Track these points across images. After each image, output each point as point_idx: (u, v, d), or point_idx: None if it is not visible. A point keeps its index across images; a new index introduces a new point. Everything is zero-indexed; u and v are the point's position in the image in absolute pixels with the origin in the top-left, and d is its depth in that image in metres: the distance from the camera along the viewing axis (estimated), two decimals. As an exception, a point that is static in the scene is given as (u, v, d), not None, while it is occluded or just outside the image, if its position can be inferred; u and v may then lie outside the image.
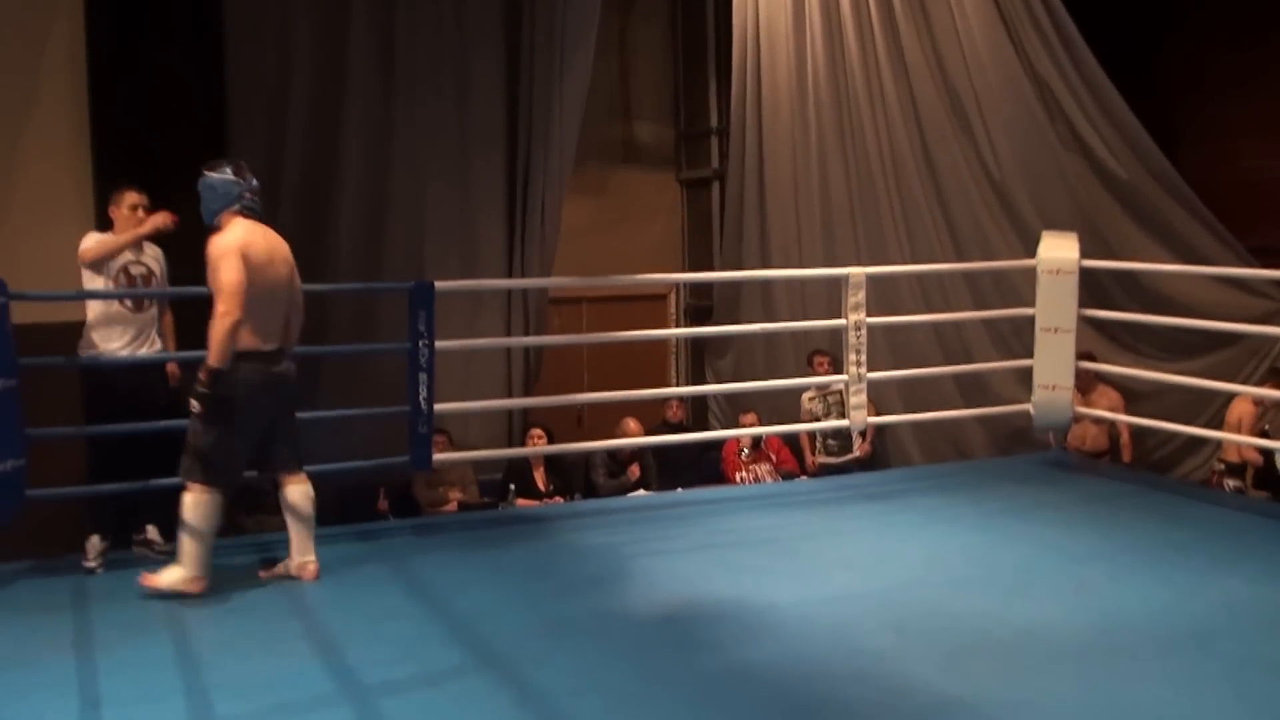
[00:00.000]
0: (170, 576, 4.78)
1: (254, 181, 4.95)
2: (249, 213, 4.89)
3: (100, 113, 7.28)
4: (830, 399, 8.21)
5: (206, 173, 4.91)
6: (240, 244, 4.76)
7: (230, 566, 5.24)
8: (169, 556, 5.37)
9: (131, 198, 5.39)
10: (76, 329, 5.33)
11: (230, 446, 4.82)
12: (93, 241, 5.28)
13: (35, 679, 3.98)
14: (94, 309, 5.29)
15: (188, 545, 4.77)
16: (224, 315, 4.67)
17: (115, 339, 5.27)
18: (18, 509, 4.98)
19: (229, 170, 4.89)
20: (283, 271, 4.98)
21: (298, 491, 5.03)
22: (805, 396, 8.45)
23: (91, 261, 5.21)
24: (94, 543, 5.22)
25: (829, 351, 8.06)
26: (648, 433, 8.47)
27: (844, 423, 7.18)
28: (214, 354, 4.66)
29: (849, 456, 8.47)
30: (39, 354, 5.22)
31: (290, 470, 5.07)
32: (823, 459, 8.55)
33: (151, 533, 5.44)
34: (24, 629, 4.51)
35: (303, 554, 5.05)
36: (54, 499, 5.33)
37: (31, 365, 5.06)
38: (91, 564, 5.21)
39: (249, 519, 6.95)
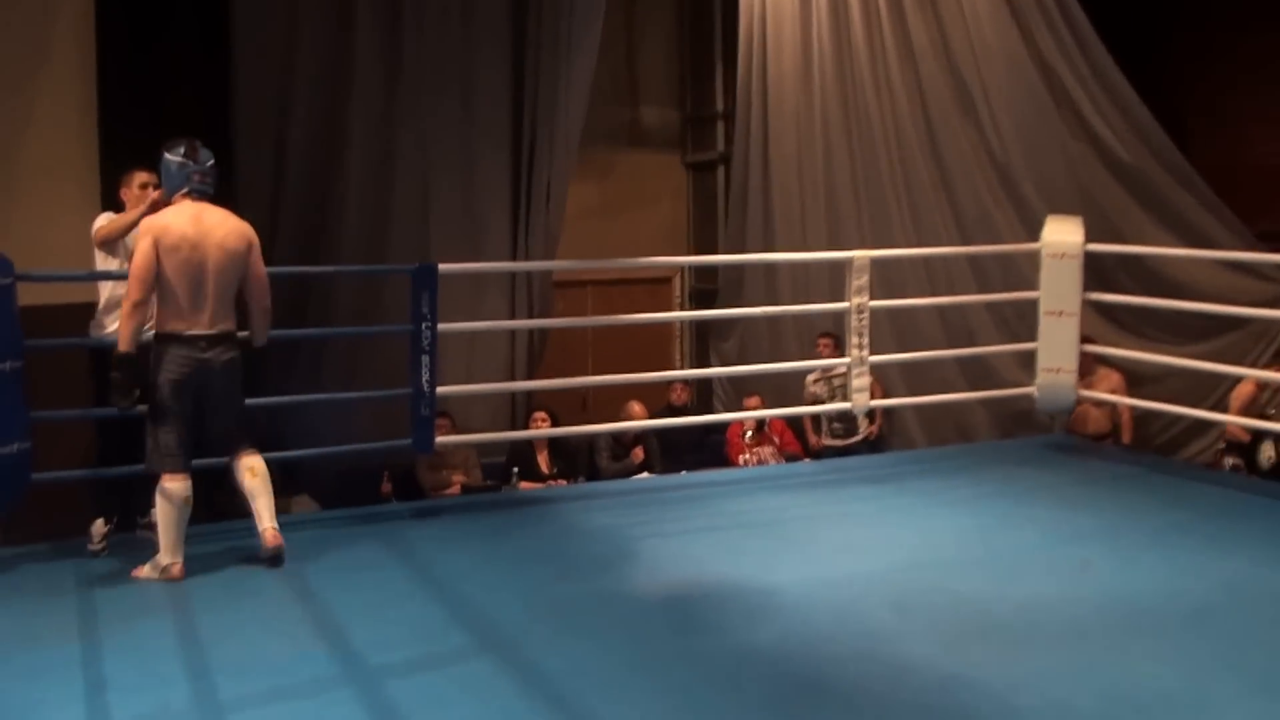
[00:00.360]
0: (149, 566, 4.82)
1: (207, 162, 4.86)
2: (197, 194, 4.82)
3: (108, 93, 7.29)
4: (835, 382, 8.18)
5: (164, 153, 4.88)
6: (157, 228, 4.75)
7: (233, 550, 5.25)
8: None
9: (141, 177, 5.38)
10: (86, 310, 5.33)
11: (171, 430, 4.81)
12: (104, 220, 5.28)
13: (40, 662, 3.98)
14: (105, 290, 5.28)
15: (159, 532, 4.83)
16: (125, 298, 4.76)
17: None
18: (22, 492, 4.96)
19: (182, 150, 4.83)
20: (213, 255, 4.77)
21: (243, 466, 4.96)
22: (809, 379, 8.45)
23: (103, 240, 5.20)
24: (98, 526, 5.19)
25: (834, 333, 8.05)
26: (652, 415, 8.48)
27: (847, 405, 7.18)
28: (119, 338, 4.73)
29: (855, 439, 8.48)
30: (47, 336, 5.22)
31: (237, 450, 4.98)
32: (828, 441, 8.55)
33: (155, 515, 5.41)
34: (29, 612, 4.51)
35: (261, 521, 4.96)
36: (59, 482, 5.34)
37: (38, 347, 5.04)
38: (96, 547, 5.18)
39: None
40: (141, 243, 4.75)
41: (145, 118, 7.13)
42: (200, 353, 4.78)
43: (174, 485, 4.79)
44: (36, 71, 7.42)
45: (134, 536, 5.31)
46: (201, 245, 4.75)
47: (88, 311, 5.33)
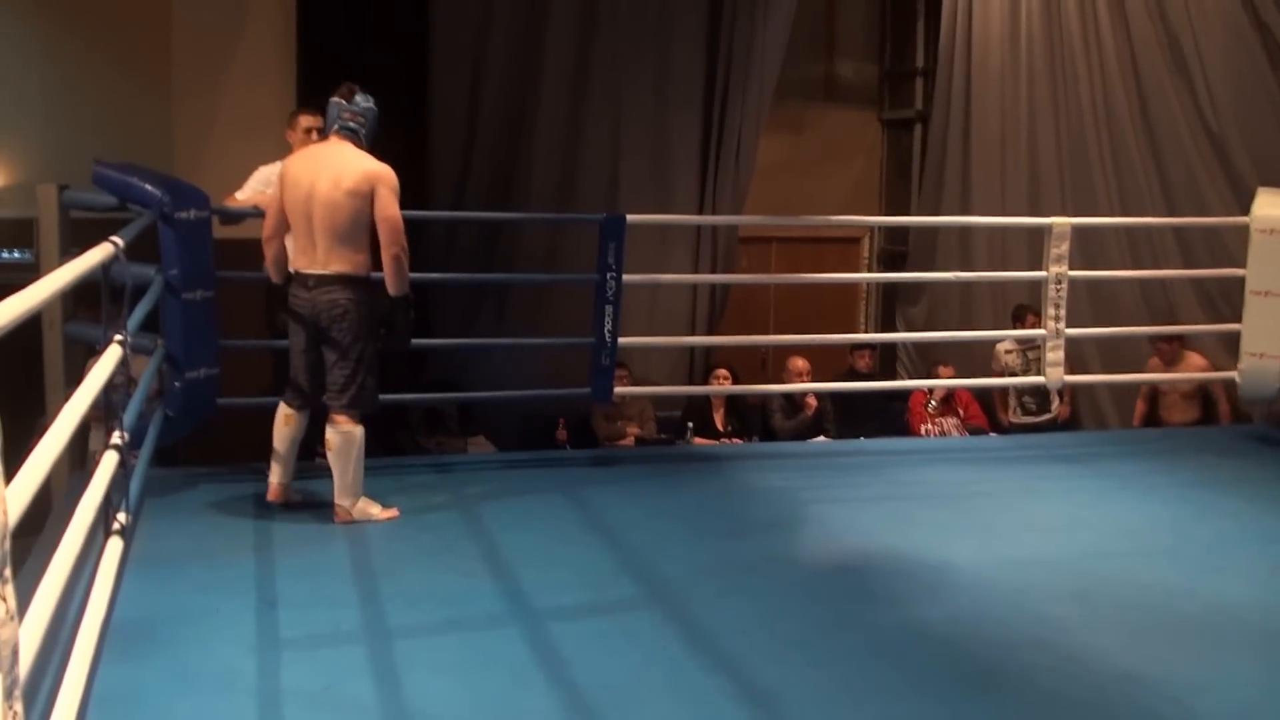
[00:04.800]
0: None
1: (361, 103, 4.78)
2: (345, 133, 4.77)
3: (308, 36, 7.48)
4: (1030, 355, 7.88)
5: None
6: (285, 166, 4.83)
7: (411, 485, 5.37)
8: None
9: (305, 120, 5.52)
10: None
11: (291, 363, 4.88)
12: (247, 191, 5.51)
13: (215, 577, 4.14)
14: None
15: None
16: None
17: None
18: (210, 415, 5.18)
19: (342, 92, 4.83)
20: (322, 192, 4.62)
21: (328, 432, 4.79)
22: (1001, 349, 8.16)
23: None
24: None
25: (1037, 310, 7.72)
26: (834, 380, 8.32)
27: (1039, 379, 6.93)
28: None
29: (1045, 417, 8.17)
30: (238, 269, 5.41)
31: (331, 407, 4.77)
32: (1018, 419, 8.25)
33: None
34: (207, 529, 4.70)
35: (336, 496, 4.84)
36: (243, 408, 5.55)
37: (230, 279, 5.22)
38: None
39: (430, 439, 7.13)
40: (276, 181, 4.87)
41: (343, 73, 7.24)
42: (306, 290, 4.71)
43: (278, 413, 4.89)
44: (239, 28, 7.69)
45: (312, 465, 5.43)
46: (314, 182, 4.65)
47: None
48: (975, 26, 9.45)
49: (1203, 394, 7.77)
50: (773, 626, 3.88)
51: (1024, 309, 7.93)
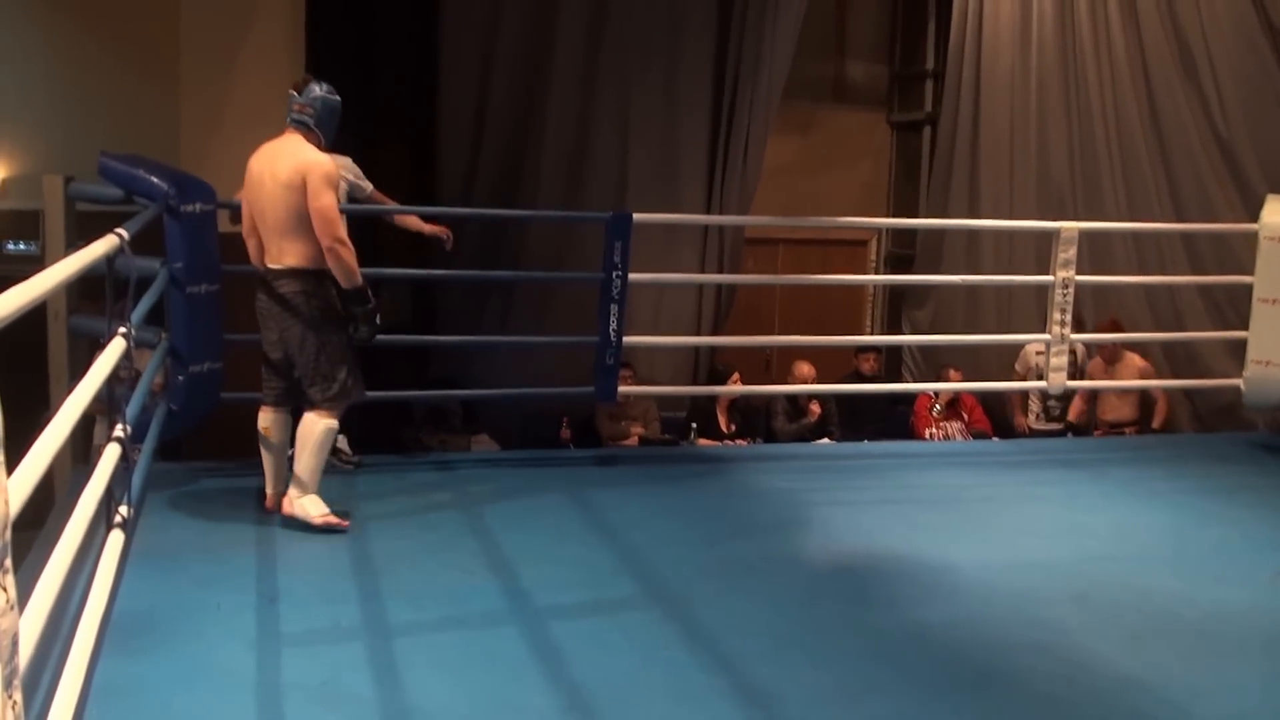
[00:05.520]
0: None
1: (312, 94, 4.65)
2: (296, 125, 4.67)
3: (316, 31, 7.46)
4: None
5: None
6: (248, 163, 4.75)
7: (412, 483, 5.38)
8: (355, 466, 5.57)
9: None
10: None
11: (265, 361, 4.83)
12: None
13: (216, 571, 4.15)
14: None
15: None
16: None
17: None
18: (211, 410, 5.16)
19: (296, 84, 4.72)
20: (267, 186, 4.59)
21: (303, 417, 4.72)
22: (1031, 349, 8.02)
23: None
24: (342, 441, 5.33)
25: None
26: (839, 382, 8.32)
27: (1042, 384, 6.94)
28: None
29: (1061, 425, 8.13)
30: (243, 264, 5.39)
31: (306, 402, 4.72)
32: (1040, 425, 8.15)
33: (341, 442, 5.54)
34: (208, 523, 4.71)
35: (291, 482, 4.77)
36: (246, 403, 5.55)
37: (234, 273, 5.19)
38: (354, 459, 5.38)
39: (433, 437, 7.13)
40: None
41: (351, 66, 7.28)
42: (265, 286, 4.67)
43: (263, 414, 4.82)
44: (248, 22, 7.69)
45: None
46: (260, 176, 4.62)
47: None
48: (986, 29, 9.43)
49: (1141, 395, 7.82)
50: (772, 627, 3.89)
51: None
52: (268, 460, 4.83)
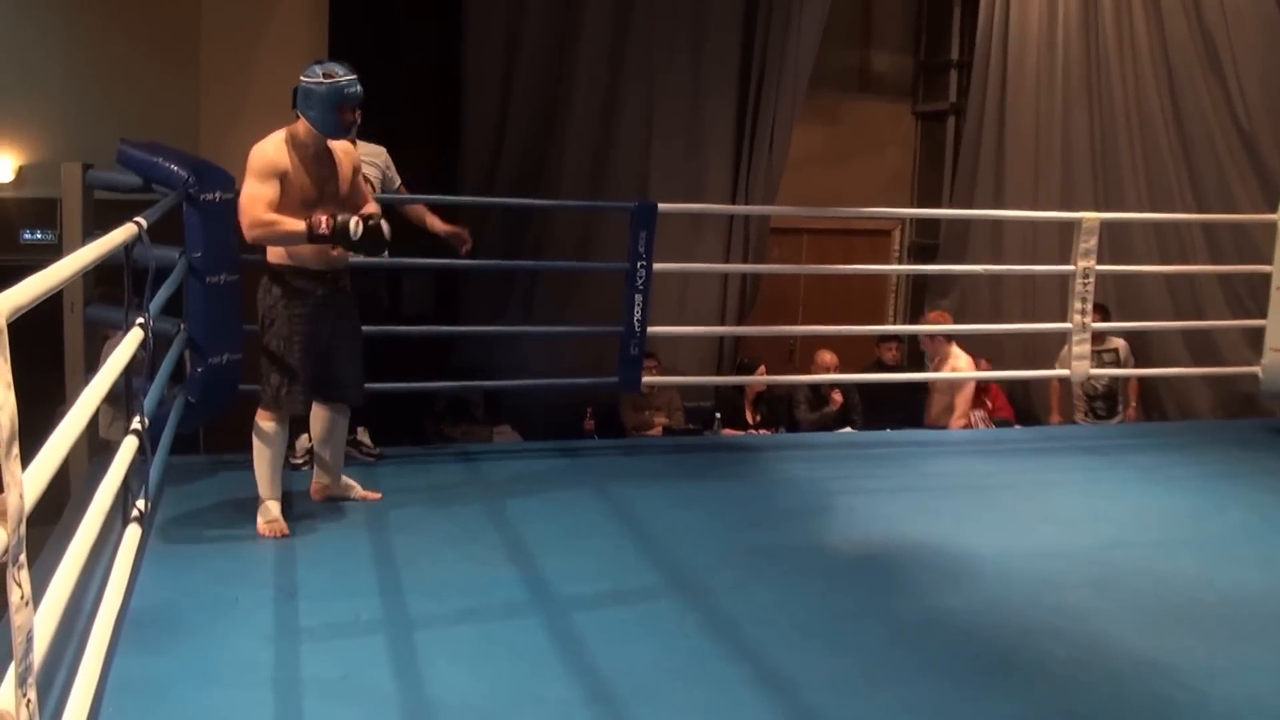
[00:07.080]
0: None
1: (301, 79, 4.39)
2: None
3: (339, 18, 7.47)
4: (1106, 356, 7.65)
5: None
6: None
7: (434, 475, 5.39)
8: (376, 459, 5.57)
9: None
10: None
11: None
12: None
13: (233, 566, 4.12)
14: None
15: None
16: None
17: None
18: (229, 401, 5.05)
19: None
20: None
21: None
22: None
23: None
24: (303, 441, 5.26)
25: (1102, 303, 7.57)
26: (862, 371, 8.30)
27: (1065, 373, 6.93)
28: None
29: (1115, 420, 7.97)
30: (262, 252, 5.35)
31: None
32: (1086, 423, 7.99)
33: (361, 434, 5.53)
34: (226, 517, 4.64)
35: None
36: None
37: (254, 262, 5.14)
38: (298, 461, 5.30)
39: (455, 428, 7.14)
40: None
41: (374, 55, 7.26)
42: None
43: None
44: (270, 9, 7.70)
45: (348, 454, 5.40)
46: None
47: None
48: (1012, 20, 9.39)
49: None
50: (793, 614, 3.88)
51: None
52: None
